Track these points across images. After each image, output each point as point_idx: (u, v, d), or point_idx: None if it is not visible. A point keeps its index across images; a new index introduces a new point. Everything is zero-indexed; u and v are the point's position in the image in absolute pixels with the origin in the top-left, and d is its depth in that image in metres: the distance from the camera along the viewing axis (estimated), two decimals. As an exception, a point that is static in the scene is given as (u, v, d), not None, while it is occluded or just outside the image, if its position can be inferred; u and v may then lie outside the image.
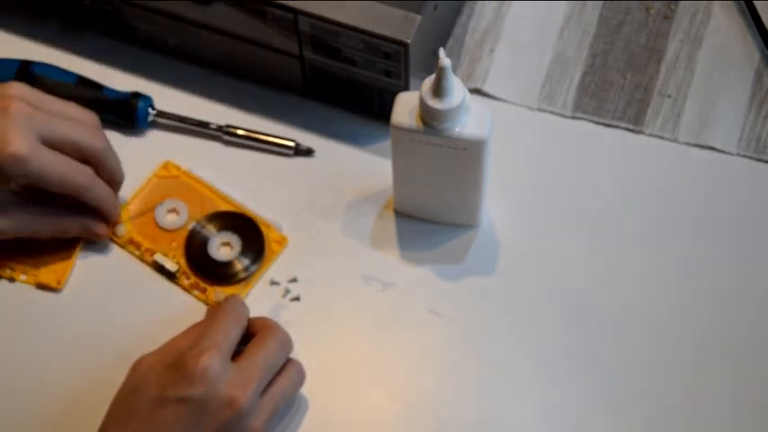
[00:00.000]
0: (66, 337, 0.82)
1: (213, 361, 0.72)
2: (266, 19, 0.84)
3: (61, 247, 0.84)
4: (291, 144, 0.88)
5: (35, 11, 0.93)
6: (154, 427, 0.71)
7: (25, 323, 0.83)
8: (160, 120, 0.89)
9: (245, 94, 0.90)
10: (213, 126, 0.89)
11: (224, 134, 0.89)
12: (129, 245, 0.85)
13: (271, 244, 0.85)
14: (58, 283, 0.83)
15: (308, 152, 0.88)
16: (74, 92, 0.88)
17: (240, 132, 0.89)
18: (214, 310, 0.79)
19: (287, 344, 0.77)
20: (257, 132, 0.89)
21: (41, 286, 0.83)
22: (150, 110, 0.89)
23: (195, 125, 0.89)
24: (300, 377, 0.78)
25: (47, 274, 0.83)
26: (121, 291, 0.84)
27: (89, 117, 0.81)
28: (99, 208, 0.82)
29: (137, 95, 0.89)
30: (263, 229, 0.85)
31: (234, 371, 0.73)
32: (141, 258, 0.85)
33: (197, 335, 0.75)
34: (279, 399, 0.76)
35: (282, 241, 0.85)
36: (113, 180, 0.83)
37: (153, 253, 0.85)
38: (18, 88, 0.78)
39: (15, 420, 0.79)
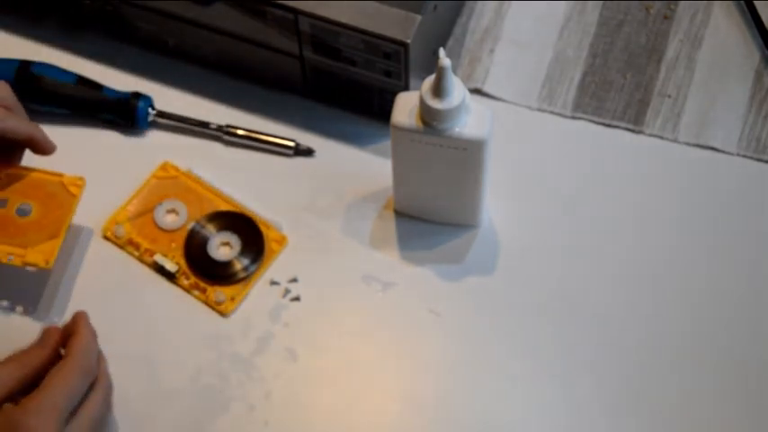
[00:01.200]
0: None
1: (49, 428, 0.68)
2: (266, 19, 0.84)
3: (48, 226, 0.83)
4: (291, 144, 0.88)
5: (35, 11, 0.93)
6: None
7: (24, 324, 0.83)
8: (160, 120, 0.89)
9: (245, 94, 0.90)
10: (213, 126, 0.89)
11: (224, 134, 0.89)
12: (129, 245, 0.85)
13: (271, 244, 0.85)
14: (47, 262, 0.82)
15: (307, 152, 0.88)
16: (74, 92, 0.88)
17: (240, 132, 0.89)
18: (60, 351, 0.74)
19: (89, 373, 0.73)
20: (257, 132, 0.89)
21: (29, 265, 0.82)
22: (150, 110, 0.89)
23: (195, 125, 0.89)
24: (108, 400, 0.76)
25: (34, 254, 0.82)
26: (121, 291, 0.84)
27: None
28: (28, 136, 0.80)
29: (137, 95, 0.89)
30: (262, 228, 0.85)
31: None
32: (140, 259, 0.85)
33: (31, 372, 0.72)
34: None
35: (282, 241, 0.85)
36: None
37: (152, 253, 0.85)
38: None
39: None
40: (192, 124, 0.89)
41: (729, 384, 0.80)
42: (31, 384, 0.71)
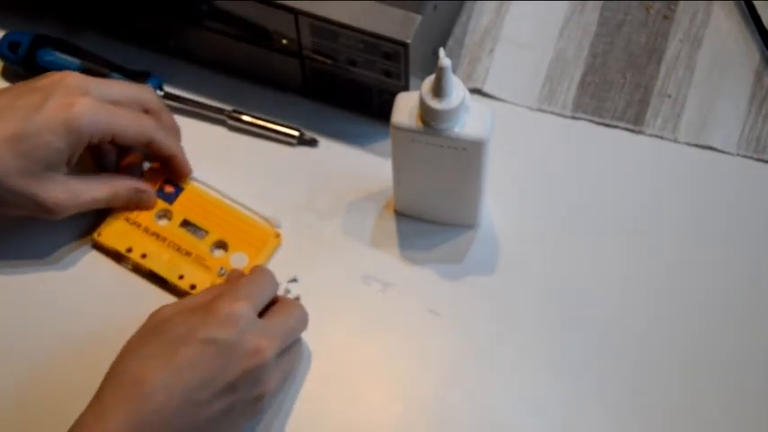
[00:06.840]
0: (65, 337, 0.82)
1: (246, 308, 0.73)
2: (266, 19, 0.84)
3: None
4: (295, 133, 0.88)
5: (35, 10, 0.93)
6: (177, 365, 0.71)
7: (24, 324, 0.83)
8: (168, 102, 0.88)
9: (245, 94, 0.90)
10: (218, 109, 0.89)
11: (228, 119, 0.88)
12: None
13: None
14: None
15: (312, 142, 0.88)
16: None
17: (245, 118, 0.88)
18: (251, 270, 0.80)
19: (306, 321, 0.79)
20: (262, 119, 0.88)
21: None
22: (158, 91, 0.88)
23: (201, 108, 0.89)
24: (301, 357, 0.80)
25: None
26: (119, 291, 0.84)
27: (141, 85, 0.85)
28: (171, 154, 0.84)
29: (146, 74, 0.88)
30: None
31: (261, 325, 0.74)
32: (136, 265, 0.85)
33: (225, 288, 0.77)
34: (288, 368, 0.77)
35: (282, 241, 0.85)
36: (174, 130, 0.85)
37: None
38: (73, 77, 0.80)
39: (15, 421, 0.79)
40: (197, 107, 0.89)
41: (729, 385, 0.80)
42: None
